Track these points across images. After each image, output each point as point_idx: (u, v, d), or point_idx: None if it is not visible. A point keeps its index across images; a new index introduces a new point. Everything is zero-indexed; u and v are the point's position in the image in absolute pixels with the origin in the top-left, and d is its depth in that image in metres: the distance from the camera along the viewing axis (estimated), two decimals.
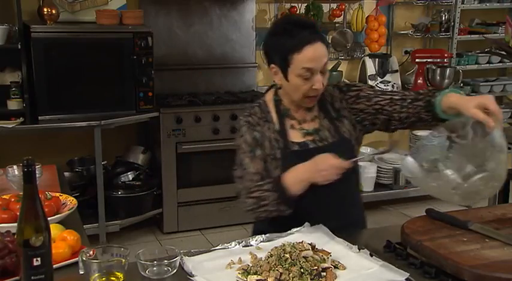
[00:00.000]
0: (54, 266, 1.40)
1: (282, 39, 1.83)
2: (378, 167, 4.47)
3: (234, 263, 1.57)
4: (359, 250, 1.65)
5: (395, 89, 1.86)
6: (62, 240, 1.65)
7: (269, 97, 2.00)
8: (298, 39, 1.80)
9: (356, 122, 1.97)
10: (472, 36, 4.95)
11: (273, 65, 1.89)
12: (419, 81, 4.66)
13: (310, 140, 1.92)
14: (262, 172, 1.88)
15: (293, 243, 1.60)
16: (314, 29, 1.84)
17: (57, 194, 2.01)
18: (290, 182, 1.80)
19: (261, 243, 1.71)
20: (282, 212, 1.83)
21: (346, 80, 4.71)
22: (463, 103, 1.68)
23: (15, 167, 2.24)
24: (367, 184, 4.41)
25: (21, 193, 1.38)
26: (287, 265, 1.49)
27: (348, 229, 1.81)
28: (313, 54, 1.80)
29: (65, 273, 1.55)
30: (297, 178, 1.80)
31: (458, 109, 1.70)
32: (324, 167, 1.76)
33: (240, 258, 1.59)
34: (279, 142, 1.90)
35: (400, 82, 4.84)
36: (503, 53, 3.68)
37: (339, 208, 1.95)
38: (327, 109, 1.97)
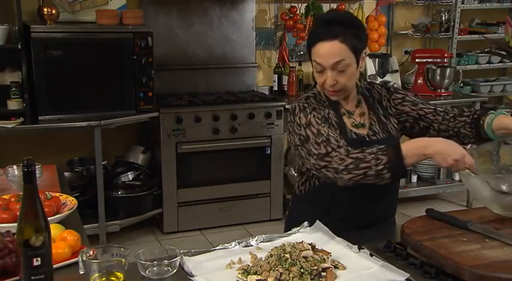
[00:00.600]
0: (54, 266, 1.40)
1: (310, 33, 1.92)
2: None
3: (234, 263, 1.57)
4: (359, 249, 1.65)
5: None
6: (62, 240, 1.65)
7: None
8: (317, 34, 1.86)
9: (399, 122, 2.02)
10: (472, 36, 4.95)
11: None
12: (419, 81, 4.66)
13: (364, 133, 1.95)
14: (339, 136, 1.84)
15: (293, 243, 1.60)
16: (342, 28, 1.82)
17: (57, 194, 2.01)
18: (409, 152, 1.72)
19: (261, 243, 1.71)
20: (380, 180, 1.74)
21: None
22: None
23: (15, 167, 2.24)
24: None
25: (21, 193, 1.38)
26: (287, 265, 1.49)
27: (380, 224, 1.95)
28: (322, 51, 1.83)
29: (65, 273, 1.55)
30: (419, 150, 1.72)
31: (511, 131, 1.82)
32: (458, 156, 1.69)
33: (240, 258, 1.59)
34: (340, 126, 1.92)
35: (400, 82, 4.85)
36: (503, 53, 3.67)
37: (381, 203, 1.99)
38: (375, 106, 2.01)
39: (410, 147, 1.74)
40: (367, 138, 1.94)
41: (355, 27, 1.88)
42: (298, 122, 1.89)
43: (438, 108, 2.02)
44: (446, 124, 1.98)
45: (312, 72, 1.98)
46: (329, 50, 1.83)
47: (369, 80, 2.13)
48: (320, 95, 1.98)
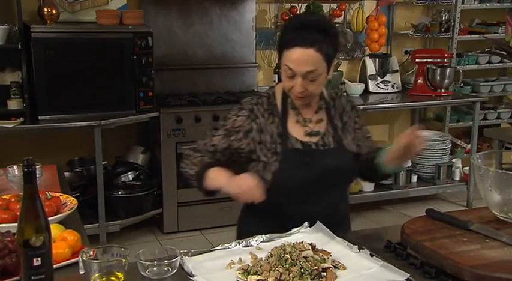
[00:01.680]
0: (54, 266, 1.40)
1: (284, 33, 1.85)
2: None
3: (234, 263, 1.57)
4: (359, 249, 1.65)
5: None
6: (62, 240, 1.65)
7: (279, 89, 1.97)
8: (293, 37, 1.79)
9: (354, 142, 1.98)
10: (472, 36, 4.95)
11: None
12: (419, 81, 4.66)
13: (313, 142, 1.91)
14: (217, 149, 1.92)
15: (293, 243, 1.60)
16: (319, 35, 1.77)
17: (57, 194, 2.01)
18: (212, 176, 1.86)
19: (261, 243, 1.71)
20: (191, 181, 1.94)
21: (347, 81, 4.71)
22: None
23: (15, 167, 2.24)
24: (367, 183, 4.41)
25: (21, 193, 1.38)
26: (287, 265, 1.49)
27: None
28: (296, 57, 1.77)
29: (65, 273, 1.55)
30: (218, 180, 1.84)
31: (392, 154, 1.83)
32: (245, 186, 1.75)
33: (240, 258, 1.59)
34: (282, 136, 1.89)
35: (400, 82, 4.85)
36: (503, 53, 3.68)
37: (327, 210, 1.91)
38: (334, 117, 1.98)
39: (214, 173, 1.86)
40: (313, 147, 1.90)
41: (332, 36, 1.83)
42: (231, 112, 1.94)
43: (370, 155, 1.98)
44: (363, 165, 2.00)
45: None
46: (304, 57, 1.77)
47: (336, 90, 2.08)
48: (274, 97, 1.95)
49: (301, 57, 1.77)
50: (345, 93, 2.07)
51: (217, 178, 1.84)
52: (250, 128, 1.89)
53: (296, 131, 1.92)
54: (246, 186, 1.74)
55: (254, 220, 1.95)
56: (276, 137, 1.89)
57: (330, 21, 1.96)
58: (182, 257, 1.58)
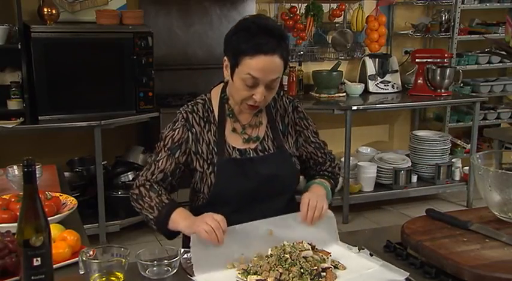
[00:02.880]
0: (54, 266, 1.40)
1: (241, 38, 1.71)
2: (378, 167, 4.47)
3: (234, 265, 1.57)
4: (359, 250, 1.65)
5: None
6: (62, 240, 1.65)
7: (215, 93, 1.91)
8: (255, 44, 1.68)
9: (296, 145, 1.95)
10: (472, 36, 4.95)
11: (225, 58, 1.79)
12: (419, 81, 4.66)
13: (251, 149, 1.85)
14: (168, 173, 1.82)
15: (293, 243, 1.60)
16: (279, 40, 1.70)
17: (57, 194, 2.01)
18: (175, 219, 1.75)
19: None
20: (148, 224, 1.86)
21: (347, 81, 4.71)
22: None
23: (15, 167, 2.24)
24: (367, 184, 4.41)
25: (21, 193, 1.38)
26: (287, 265, 1.49)
27: None
28: (263, 65, 1.68)
29: (65, 273, 1.55)
30: (182, 223, 1.73)
31: None
32: (209, 221, 1.62)
33: (240, 258, 1.59)
34: (218, 145, 1.81)
35: (400, 82, 4.85)
36: (503, 53, 3.68)
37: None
38: (275, 120, 1.91)
39: (178, 215, 1.75)
40: (252, 155, 1.83)
41: (286, 40, 1.76)
42: (165, 129, 1.85)
43: (321, 153, 1.97)
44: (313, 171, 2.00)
45: (240, 80, 1.74)
46: (270, 65, 1.69)
47: (278, 90, 1.91)
48: (210, 102, 1.88)
49: (268, 65, 1.68)
50: (286, 93, 1.98)
51: (181, 220, 1.74)
52: (187, 138, 1.82)
53: (234, 138, 1.85)
54: (213, 224, 1.60)
55: None
56: (212, 146, 1.82)
57: (280, 24, 1.90)
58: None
